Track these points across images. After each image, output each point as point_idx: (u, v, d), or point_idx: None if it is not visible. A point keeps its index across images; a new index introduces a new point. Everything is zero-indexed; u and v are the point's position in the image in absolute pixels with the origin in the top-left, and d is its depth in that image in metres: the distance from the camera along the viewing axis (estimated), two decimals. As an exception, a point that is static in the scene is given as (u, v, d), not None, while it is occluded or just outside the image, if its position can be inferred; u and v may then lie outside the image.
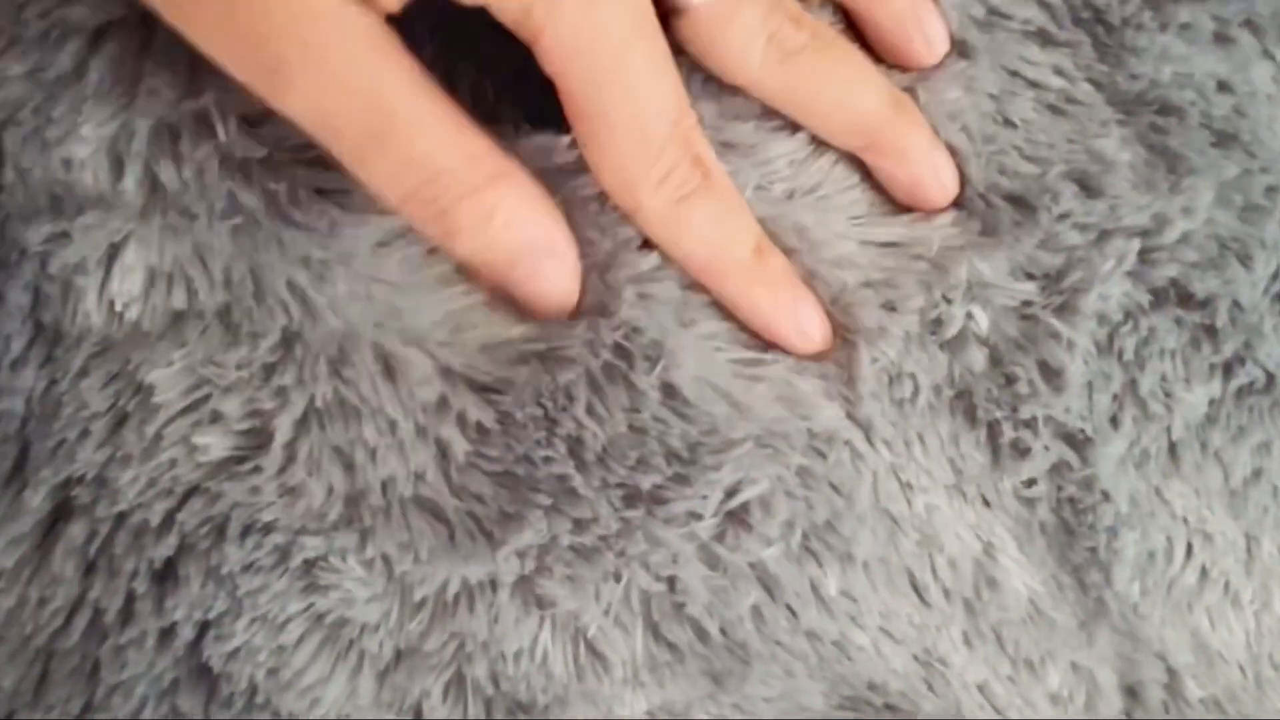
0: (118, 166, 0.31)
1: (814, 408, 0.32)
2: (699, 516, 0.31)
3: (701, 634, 0.31)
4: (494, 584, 0.30)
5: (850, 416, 0.32)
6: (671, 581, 0.31)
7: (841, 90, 0.33)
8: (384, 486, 0.30)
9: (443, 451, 0.30)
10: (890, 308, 0.32)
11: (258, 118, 0.31)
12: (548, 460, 0.31)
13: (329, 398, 0.30)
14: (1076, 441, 0.33)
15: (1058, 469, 0.33)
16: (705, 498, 0.31)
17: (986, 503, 0.33)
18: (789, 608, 0.31)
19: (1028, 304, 0.33)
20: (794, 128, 0.33)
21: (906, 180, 0.33)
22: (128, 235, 0.30)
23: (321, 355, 0.30)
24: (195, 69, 0.30)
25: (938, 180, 0.33)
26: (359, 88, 0.28)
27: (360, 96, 0.28)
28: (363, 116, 0.28)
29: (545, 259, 0.30)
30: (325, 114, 0.28)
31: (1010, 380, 0.33)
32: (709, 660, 0.31)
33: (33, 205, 0.30)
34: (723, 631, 0.31)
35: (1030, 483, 0.33)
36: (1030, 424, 0.33)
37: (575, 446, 0.31)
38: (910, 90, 0.33)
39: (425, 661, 0.30)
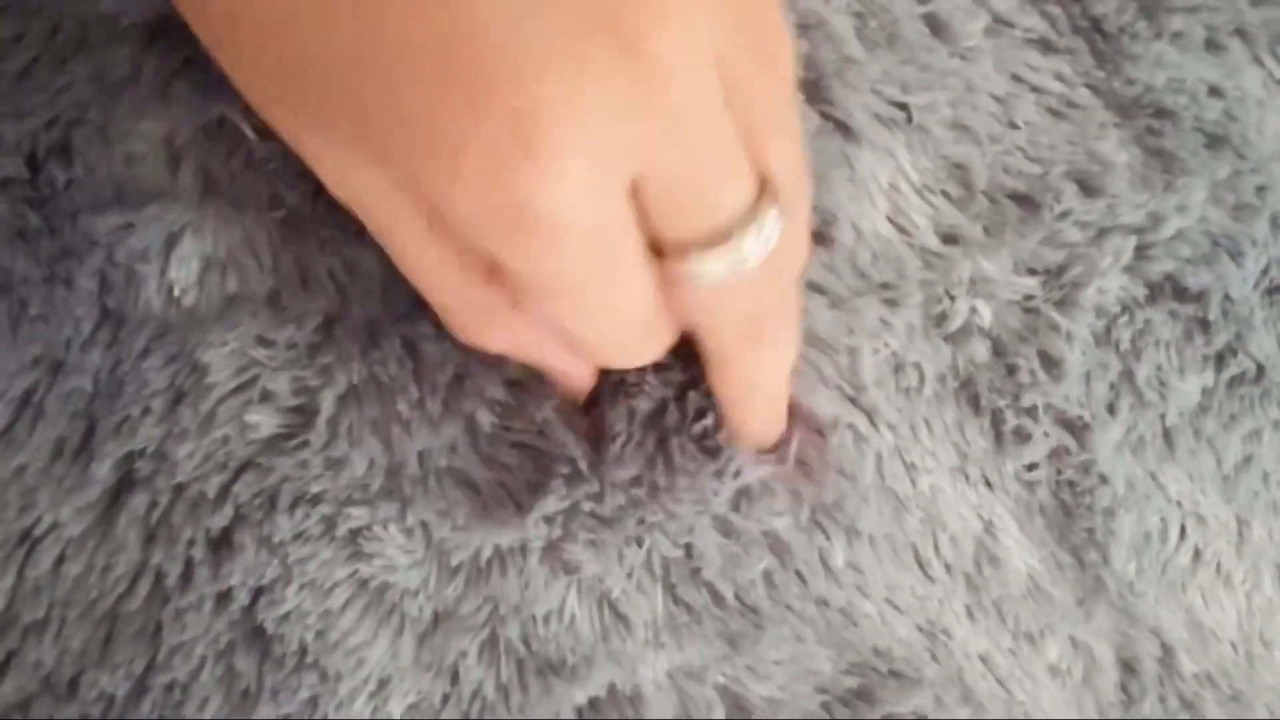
0: (174, 162, 0.32)
1: (809, 393, 0.33)
2: (714, 491, 0.32)
3: (717, 597, 0.32)
4: (524, 549, 0.31)
5: (853, 402, 0.33)
6: (688, 548, 0.32)
7: None
8: (420, 458, 0.31)
9: (470, 424, 0.31)
10: (892, 304, 0.34)
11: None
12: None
13: (364, 375, 0.31)
14: (1075, 428, 0.34)
15: (1057, 454, 0.35)
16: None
17: (989, 485, 0.34)
18: (799, 574, 0.33)
19: (1029, 298, 0.34)
20: None
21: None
22: (185, 226, 0.31)
23: (354, 339, 0.31)
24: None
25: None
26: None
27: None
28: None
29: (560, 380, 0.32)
30: None
31: (1012, 370, 0.34)
32: (724, 622, 0.32)
33: (100, 198, 0.31)
34: (736, 595, 0.32)
35: (1031, 466, 0.35)
36: (1031, 411, 0.34)
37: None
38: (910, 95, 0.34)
39: (462, 624, 0.31)
